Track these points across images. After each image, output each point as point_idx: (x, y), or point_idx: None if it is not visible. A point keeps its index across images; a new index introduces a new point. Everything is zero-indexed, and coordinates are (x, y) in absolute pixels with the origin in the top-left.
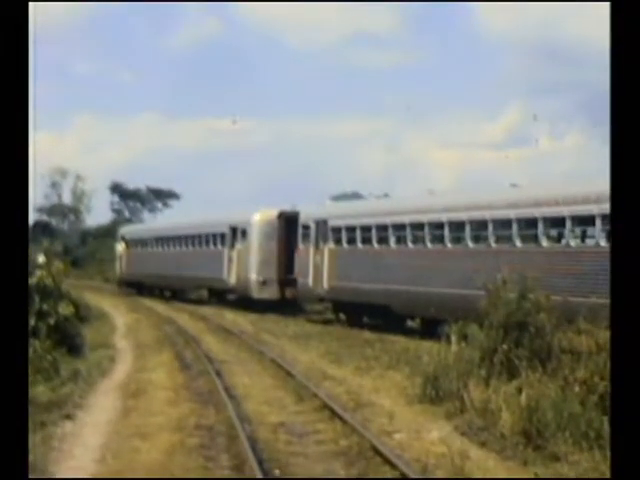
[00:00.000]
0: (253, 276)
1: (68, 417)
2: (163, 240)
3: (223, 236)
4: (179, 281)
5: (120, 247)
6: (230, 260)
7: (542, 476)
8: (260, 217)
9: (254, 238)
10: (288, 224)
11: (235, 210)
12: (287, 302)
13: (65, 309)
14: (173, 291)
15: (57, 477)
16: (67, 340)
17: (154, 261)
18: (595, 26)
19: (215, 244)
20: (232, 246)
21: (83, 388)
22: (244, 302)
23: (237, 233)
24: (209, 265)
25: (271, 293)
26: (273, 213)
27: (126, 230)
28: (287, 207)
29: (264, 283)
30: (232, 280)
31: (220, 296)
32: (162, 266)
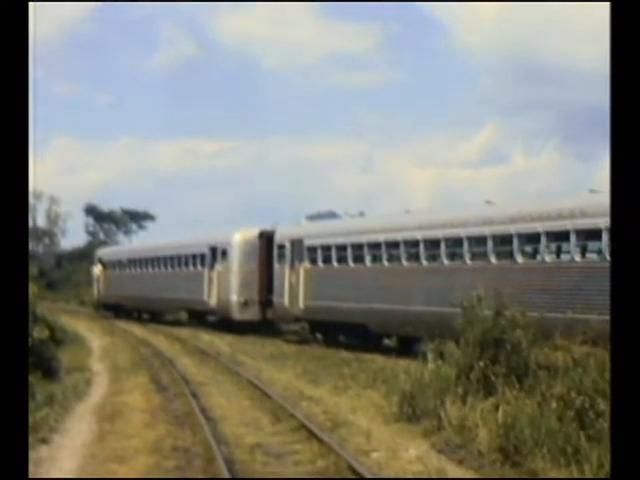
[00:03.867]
0: (234, 297)
1: (44, 441)
2: (142, 262)
3: (203, 257)
4: (158, 303)
5: (97, 269)
6: (210, 281)
7: None
8: (241, 237)
9: (235, 258)
10: (269, 244)
11: (214, 230)
12: (269, 323)
13: (40, 332)
14: (152, 313)
15: (57, 477)
16: (42, 364)
17: (132, 283)
18: (570, 45)
19: (195, 265)
20: (212, 267)
21: (59, 412)
22: (225, 324)
23: (217, 253)
24: (189, 286)
25: (252, 314)
26: (254, 232)
27: (103, 252)
28: (266, 227)
29: (245, 304)
30: (213, 301)
31: (200, 318)
32: (141, 288)
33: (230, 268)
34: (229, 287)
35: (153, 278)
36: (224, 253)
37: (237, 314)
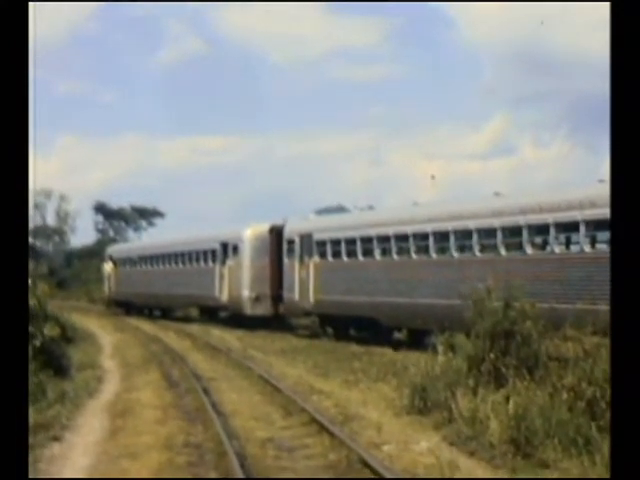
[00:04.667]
0: (246, 292)
1: (56, 439)
2: (152, 258)
3: (214, 252)
4: (170, 299)
5: (108, 267)
6: (222, 277)
7: None
8: (251, 232)
9: (246, 254)
10: (280, 239)
11: (225, 226)
12: (281, 318)
13: (51, 330)
14: (163, 310)
15: (57, 477)
16: (53, 361)
17: (144, 280)
18: (577, 35)
19: (206, 261)
20: (223, 262)
21: (70, 409)
22: (236, 319)
23: (228, 249)
24: (200, 282)
25: (264, 309)
26: (265, 228)
27: (114, 249)
28: (276, 222)
29: (257, 299)
30: (224, 297)
31: (212, 314)
32: (152, 285)
33: (241, 263)
34: (240, 282)
35: (164, 275)
36: (235, 248)
37: (249, 309)
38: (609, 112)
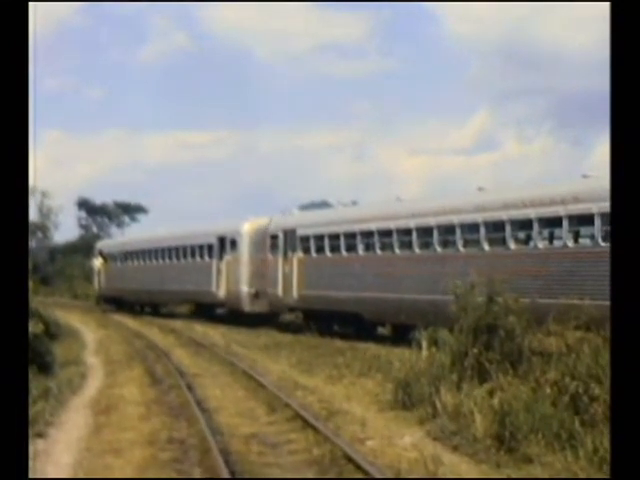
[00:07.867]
0: (244, 288)
1: (39, 435)
2: (145, 253)
3: (211, 247)
4: (164, 296)
5: (97, 262)
6: (219, 272)
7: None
8: (250, 226)
9: (244, 248)
10: None
11: (222, 219)
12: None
13: (34, 327)
14: (156, 306)
15: (57, 477)
16: (37, 358)
17: (136, 275)
18: (561, 31)
19: (202, 256)
20: (221, 257)
21: (54, 406)
22: (234, 316)
23: (226, 244)
24: (196, 278)
25: (264, 306)
26: (263, 221)
27: (104, 244)
28: (265, 217)
29: (256, 295)
30: (221, 293)
31: (208, 311)
32: (145, 280)
33: (240, 258)
34: (239, 278)
35: (158, 270)
36: (233, 243)
37: (248, 306)
38: (609, 112)
